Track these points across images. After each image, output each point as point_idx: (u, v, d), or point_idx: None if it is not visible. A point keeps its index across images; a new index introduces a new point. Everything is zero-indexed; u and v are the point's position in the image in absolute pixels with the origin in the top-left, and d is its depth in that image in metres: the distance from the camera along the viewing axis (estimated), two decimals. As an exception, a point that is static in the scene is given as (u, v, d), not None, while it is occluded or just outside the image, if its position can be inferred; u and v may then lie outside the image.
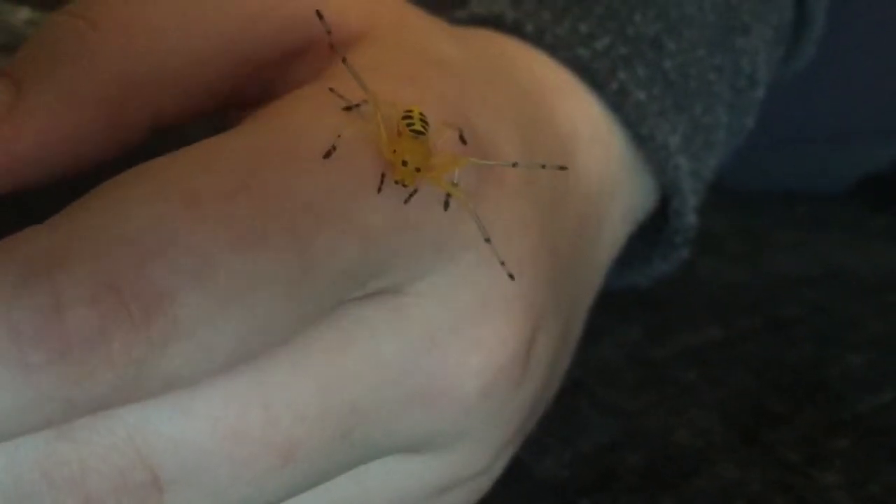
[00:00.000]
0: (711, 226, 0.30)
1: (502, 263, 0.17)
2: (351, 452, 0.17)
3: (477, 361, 0.18)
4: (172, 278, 0.14)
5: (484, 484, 0.21)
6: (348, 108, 0.17)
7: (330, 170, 0.16)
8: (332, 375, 0.16)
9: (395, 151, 0.16)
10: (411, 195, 0.16)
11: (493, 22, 0.25)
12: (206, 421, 0.15)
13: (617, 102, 0.24)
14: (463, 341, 0.18)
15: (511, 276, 0.18)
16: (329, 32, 0.18)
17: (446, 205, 0.17)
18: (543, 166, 0.19)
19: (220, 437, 0.15)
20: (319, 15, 0.18)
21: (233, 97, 0.21)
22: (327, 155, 0.16)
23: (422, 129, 0.17)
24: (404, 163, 0.16)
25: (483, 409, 0.18)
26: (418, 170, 0.16)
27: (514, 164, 0.18)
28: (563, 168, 0.19)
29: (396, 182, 0.16)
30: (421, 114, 0.17)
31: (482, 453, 0.19)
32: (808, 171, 0.42)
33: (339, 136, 0.16)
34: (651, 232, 0.28)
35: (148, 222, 0.15)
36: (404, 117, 0.17)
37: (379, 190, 0.16)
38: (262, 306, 0.15)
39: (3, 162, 0.18)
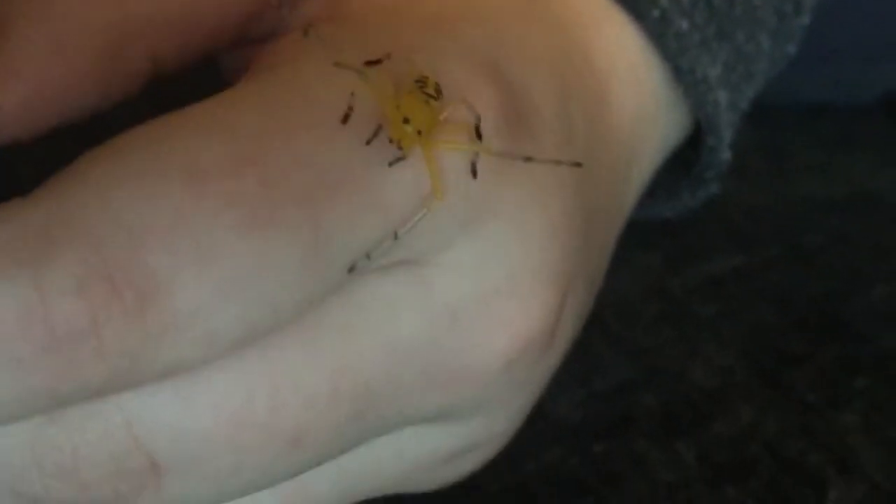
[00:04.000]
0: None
1: None
2: (363, 432, 0.16)
3: (502, 339, 0.17)
4: (170, 264, 0.13)
5: (501, 443, 0.20)
6: (370, 63, 0.16)
7: (346, 136, 0.15)
8: (345, 356, 0.15)
9: (398, 107, 0.15)
10: (398, 159, 0.15)
11: None
12: (207, 407, 0.15)
13: (657, 32, 0.23)
14: (488, 318, 0.17)
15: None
16: None
17: (474, 172, 0.16)
18: (559, 162, 0.17)
19: (222, 425, 0.15)
20: None
21: (238, 38, 0.20)
22: (345, 119, 0.15)
23: (433, 94, 0.15)
24: (406, 121, 0.15)
25: (505, 381, 0.17)
26: (419, 133, 0.15)
27: (528, 159, 0.16)
28: (577, 164, 0.17)
29: (391, 141, 0.15)
30: (437, 84, 0.16)
31: (501, 420, 0.19)
32: (834, 87, 0.40)
33: (352, 95, 0.15)
34: (680, 164, 0.27)
35: (144, 201, 0.13)
36: (417, 80, 0.16)
37: (368, 142, 0.15)
38: (271, 288, 0.14)
39: None
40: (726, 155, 0.25)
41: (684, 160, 0.27)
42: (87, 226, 0.13)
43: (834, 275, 0.32)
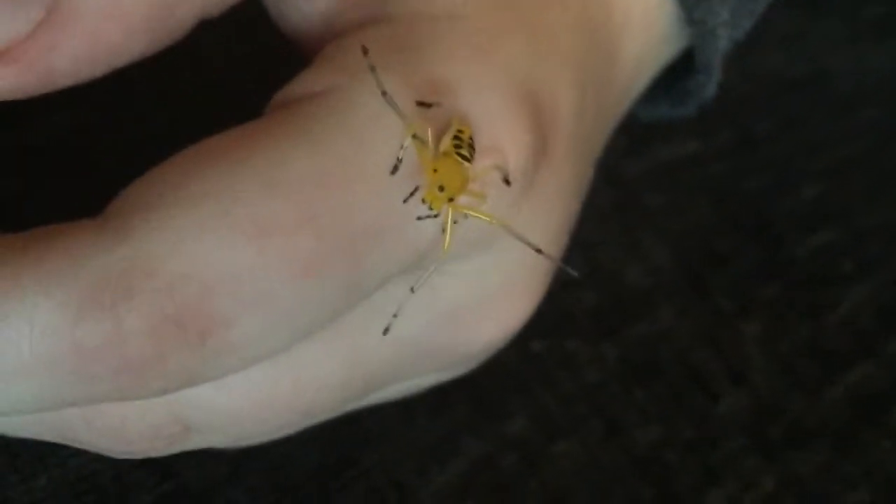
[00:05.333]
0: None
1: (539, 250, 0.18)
2: (363, 397, 0.20)
3: (491, 331, 0.20)
4: (232, 309, 0.16)
5: None
6: (421, 105, 0.17)
7: (391, 188, 0.17)
8: (358, 351, 0.19)
9: (435, 171, 0.17)
10: (428, 216, 0.17)
11: None
12: (238, 394, 0.18)
13: None
14: (482, 316, 0.20)
15: (539, 251, 0.18)
16: None
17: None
18: (554, 261, 0.19)
19: (249, 405, 0.18)
20: None
21: None
22: (394, 171, 0.17)
23: (468, 156, 0.17)
24: (441, 188, 0.17)
25: (483, 355, 0.21)
26: (451, 199, 0.17)
27: (539, 251, 0.18)
28: (539, 251, 0.19)
29: (423, 201, 0.17)
30: (471, 138, 0.18)
31: (474, 366, 0.22)
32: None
33: (402, 149, 0.17)
34: (666, 75, 0.28)
35: (213, 255, 0.15)
36: (455, 137, 0.17)
37: (405, 201, 0.17)
38: (309, 320, 0.17)
39: (40, 76, 0.18)
40: (713, 89, 0.27)
41: (673, 76, 0.28)
42: (162, 276, 0.15)
43: (773, 168, 0.35)
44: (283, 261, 0.16)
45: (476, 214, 0.18)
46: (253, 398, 0.18)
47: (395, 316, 0.18)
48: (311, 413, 0.19)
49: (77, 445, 0.18)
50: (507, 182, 0.18)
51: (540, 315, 0.27)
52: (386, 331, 0.18)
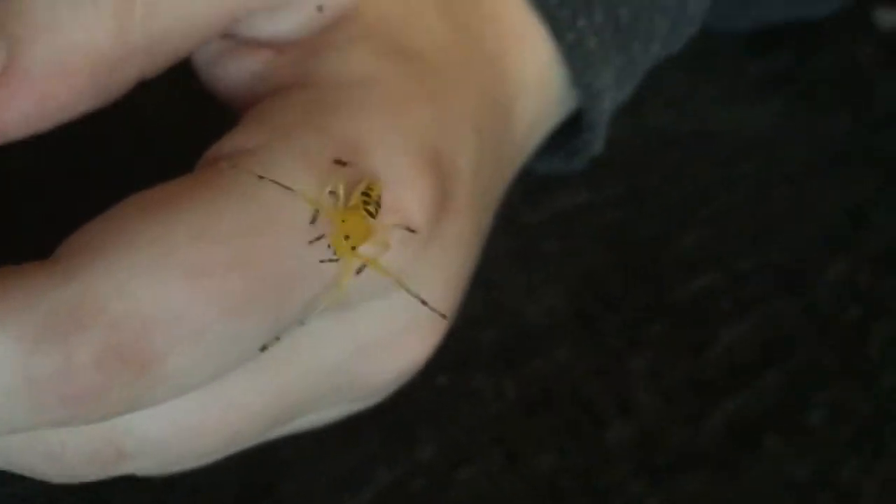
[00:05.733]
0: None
1: (442, 315, 0.21)
2: (284, 426, 0.22)
3: (400, 363, 0.22)
4: (169, 344, 0.17)
5: None
6: (338, 162, 0.20)
7: (310, 237, 0.19)
8: (281, 383, 0.21)
9: (343, 221, 0.19)
10: (330, 260, 0.19)
11: None
12: (169, 421, 0.20)
13: (570, 53, 0.26)
14: (392, 349, 0.22)
15: (443, 316, 0.21)
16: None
17: (360, 270, 0.20)
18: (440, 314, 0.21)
19: (180, 431, 0.20)
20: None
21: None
22: (313, 220, 0.19)
23: (373, 212, 0.20)
24: (347, 237, 0.19)
25: (394, 385, 0.23)
26: (353, 248, 0.19)
27: (424, 303, 0.21)
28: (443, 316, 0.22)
29: (329, 246, 0.19)
30: (379, 196, 0.20)
31: (384, 396, 0.24)
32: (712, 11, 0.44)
33: (317, 210, 0.19)
34: (559, 132, 0.31)
35: (153, 295, 0.17)
36: (364, 193, 0.20)
37: (310, 242, 0.19)
38: (241, 350, 0.19)
39: None
40: (599, 146, 0.30)
41: (563, 134, 0.31)
42: (108, 313, 0.17)
43: (660, 216, 0.38)
44: (213, 300, 0.18)
45: (374, 267, 0.20)
46: (183, 426, 0.20)
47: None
48: (235, 440, 0.21)
49: (16, 470, 0.20)
50: (411, 230, 0.20)
51: (445, 350, 0.30)
52: (264, 348, 0.19)
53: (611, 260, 0.35)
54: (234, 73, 0.23)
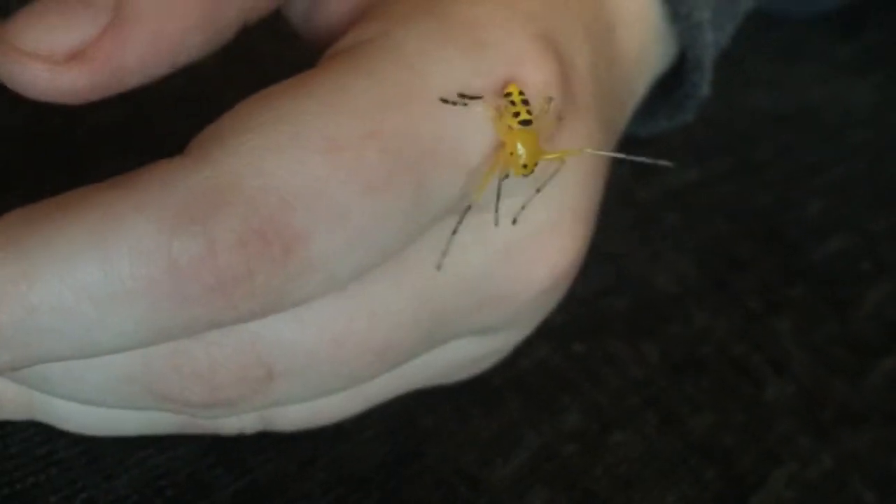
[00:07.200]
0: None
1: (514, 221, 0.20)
2: (429, 346, 0.20)
3: (542, 272, 0.20)
4: (310, 222, 0.16)
5: (514, 347, 0.24)
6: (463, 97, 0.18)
7: (447, 113, 0.18)
8: (425, 287, 0.19)
9: (511, 154, 0.18)
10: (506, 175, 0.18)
11: None
12: (317, 329, 0.18)
13: None
14: (533, 255, 0.20)
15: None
16: None
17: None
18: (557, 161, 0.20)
19: (326, 342, 0.18)
20: None
21: None
22: (445, 99, 0.18)
23: (528, 118, 0.18)
24: (524, 166, 0.18)
25: (538, 305, 0.21)
26: (525, 167, 0.18)
27: (583, 150, 0.20)
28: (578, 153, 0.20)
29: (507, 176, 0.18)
30: (521, 93, 0.19)
31: (524, 332, 0.23)
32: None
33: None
34: (662, 88, 0.30)
35: (293, 170, 0.16)
36: (510, 103, 0.18)
37: (500, 182, 0.18)
38: (381, 238, 0.17)
39: (112, 75, 0.19)
40: (706, 89, 0.29)
41: (664, 84, 0.30)
42: (246, 191, 0.16)
43: (777, 187, 0.36)
44: (351, 174, 0.17)
45: (551, 156, 0.19)
46: (329, 334, 0.18)
47: (444, 253, 0.19)
48: (385, 354, 0.19)
49: (165, 405, 0.18)
50: (559, 117, 0.19)
51: (577, 318, 0.28)
52: (439, 266, 0.19)
53: (735, 228, 0.33)
54: (335, 7, 0.22)
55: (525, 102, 0.19)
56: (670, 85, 0.29)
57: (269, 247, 0.16)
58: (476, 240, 0.20)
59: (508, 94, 0.19)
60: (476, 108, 0.18)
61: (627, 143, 0.32)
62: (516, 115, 0.18)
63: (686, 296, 0.30)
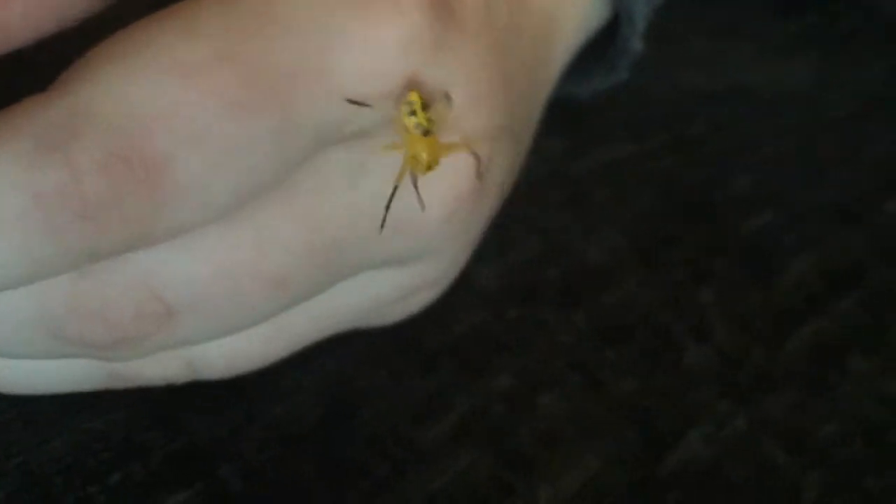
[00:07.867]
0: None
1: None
2: (333, 276, 0.21)
3: (439, 193, 0.21)
4: (172, 144, 0.17)
5: (442, 286, 0.25)
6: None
7: (308, 35, 0.18)
8: (316, 215, 0.19)
9: (412, 157, 0.19)
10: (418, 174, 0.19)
11: None
12: (206, 260, 0.19)
13: None
14: (430, 177, 0.20)
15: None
16: None
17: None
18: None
19: (218, 273, 0.19)
20: None
21: None
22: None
23: (426, 125, 0.19)
24: (429, 166, 0.19)
25: (445, 230, 0.22)
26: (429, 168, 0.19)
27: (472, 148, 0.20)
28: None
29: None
30: (420, 97, 0.19)
31: (444, 263, 0.23)
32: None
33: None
34: (595, 48, 0.30)
35: (148, 94, 0.17)
36: (409, 113, 0.19)
37: (414, 184, 0.19)
38: (251, 162, 0.18)
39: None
40: (638, 45, 0.30)
41: (601, 46, 0.31)
42: (103, 117, 0.16)
43: (709, 163, 0.37)
44: (206, 95, 0.17)
45: (452, 151, 0.20)
46: (217, 264, 0.19)
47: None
48: (283, 285, 0.19)
49: (71, 349, 0.19)
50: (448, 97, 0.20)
51: (511, 287, 0.29)
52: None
53: (665, 203, 0.35)
54: None
55: (424, 108, 0.19)
56: (605, 44, 0.30)
57: (132, 169, 0.17)
58: (368, 165, 0.20)
59: (410, 103, 0.19)
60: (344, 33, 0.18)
61: (564, 119, 0.34)
62: (414, 115, 0.19)
63: (616, 268, 0.32)
